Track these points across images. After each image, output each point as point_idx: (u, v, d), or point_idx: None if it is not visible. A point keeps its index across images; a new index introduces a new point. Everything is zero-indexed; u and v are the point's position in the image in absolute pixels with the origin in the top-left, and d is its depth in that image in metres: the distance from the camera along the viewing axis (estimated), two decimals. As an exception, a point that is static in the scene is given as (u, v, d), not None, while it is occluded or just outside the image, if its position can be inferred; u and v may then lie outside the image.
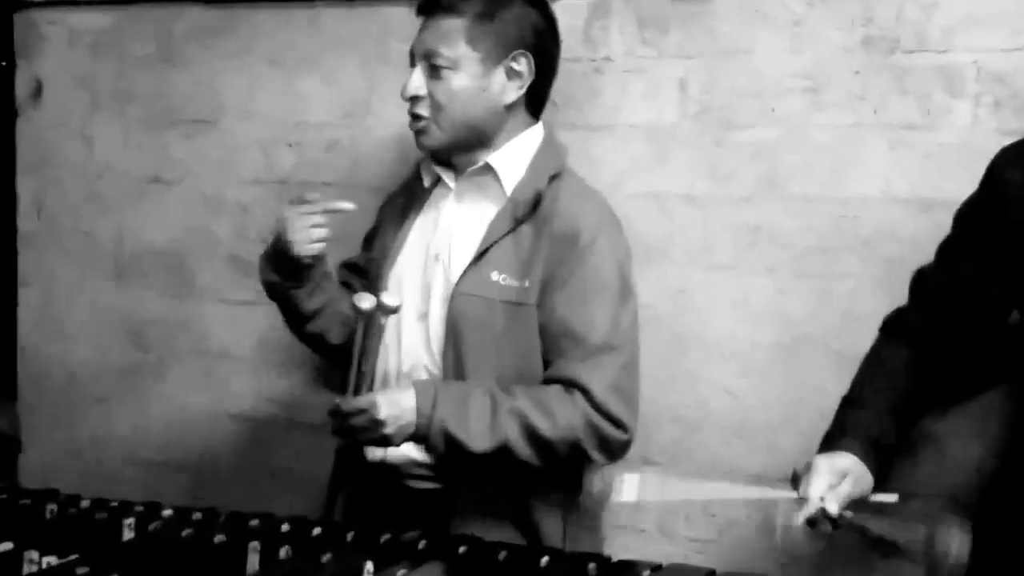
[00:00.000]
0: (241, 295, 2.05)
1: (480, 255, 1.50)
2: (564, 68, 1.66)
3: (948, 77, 1.59)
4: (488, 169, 1.54)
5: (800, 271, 1.70)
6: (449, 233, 1.55)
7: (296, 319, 1.63)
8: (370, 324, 1.41)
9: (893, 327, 1.46)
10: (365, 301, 1.40)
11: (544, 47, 1.55)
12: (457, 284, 1.49)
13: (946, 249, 1.43)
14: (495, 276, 1.48)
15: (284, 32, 2.01)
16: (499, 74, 1.51)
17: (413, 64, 1.54)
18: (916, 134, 1.62)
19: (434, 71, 1.50)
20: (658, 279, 1.75)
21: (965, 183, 1.42)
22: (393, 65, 1.85)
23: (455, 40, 1.49)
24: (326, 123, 2.00)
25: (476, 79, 1.50)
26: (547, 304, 1.47)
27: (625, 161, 1.79)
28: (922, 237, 1.55)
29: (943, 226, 1.44)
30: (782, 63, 1.69)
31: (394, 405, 1.42)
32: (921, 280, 1.46)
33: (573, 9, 1.79)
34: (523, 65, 1.52)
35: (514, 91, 1.52)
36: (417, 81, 1.51)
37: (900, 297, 1.49)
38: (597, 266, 1.48)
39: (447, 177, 1.58)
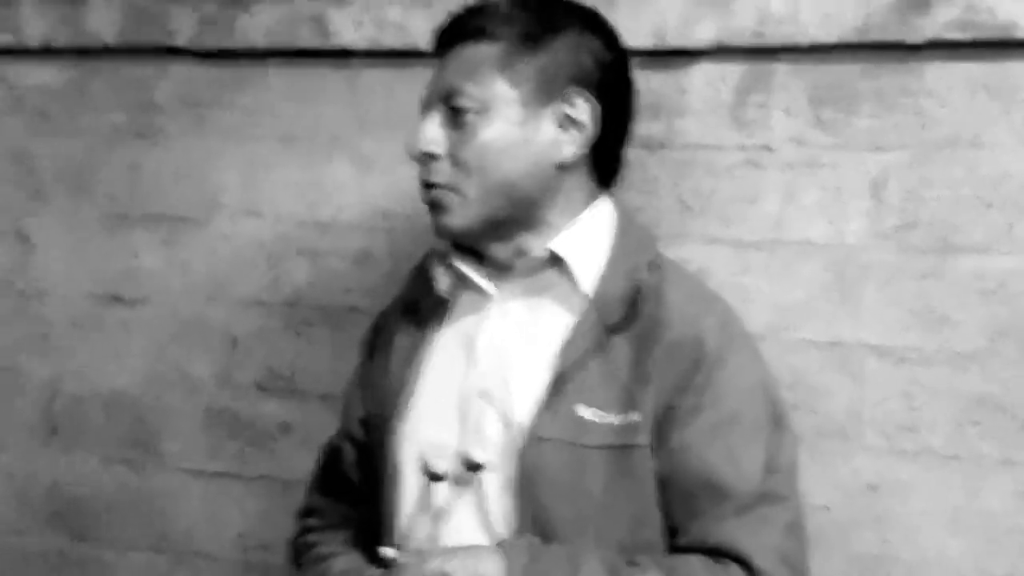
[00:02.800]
0: (221, 465, 1.92)
1: (557, 384, 1.35)
2: (703, 158, 1.61)
3: None
4: (551, 261, 1.39)
5: None
6: (499, 358, 1.41)
7: None
8: None
9: None
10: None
11: (612, 88, 1.40)
12: (530, 428, 1.35)
13: None
14: (584, 412, 1.34)
15: (305, 99, 1.87)
16: (548, 121, 1.36)
17: (426, 112, 1.42)
18: None
19: (456, 117, 1.35)
20: (838, 469, 1.59)
21: None
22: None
23: (486, 74, 1.34)
24: (357, 225, 1.83)
25: (515, 126, 1.35)
26: (669, 446, 1.35)
27: (790, 295, 1.60)
28: None
29: None
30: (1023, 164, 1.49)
31: (471, 573, 1.29)
32: None
33: (716, 75, 1.62)
34: (583, 110, 1.36)
35: (571, 146, 1.37)
36: (431, 132, 1.36)
37: None
38: (736, 387, 1.36)
39: (479, 278, 1.39)
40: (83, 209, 2.01)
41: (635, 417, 1.35)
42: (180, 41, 1.88)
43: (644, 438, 1.34)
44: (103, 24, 1.94)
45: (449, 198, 1.37)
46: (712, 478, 1.34)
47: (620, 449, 1.35)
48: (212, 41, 1.86)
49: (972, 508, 1.53)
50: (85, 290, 2.03)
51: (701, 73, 1.59)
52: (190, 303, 1.95)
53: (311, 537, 1.50)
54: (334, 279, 1.85)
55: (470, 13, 1.39)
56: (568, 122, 1.37)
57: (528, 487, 1.35)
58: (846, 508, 1.58)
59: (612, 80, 1.40)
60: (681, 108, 1.62)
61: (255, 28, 1.83)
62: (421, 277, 1.49)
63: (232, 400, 1.93)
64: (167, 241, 1.95)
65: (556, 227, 1.40)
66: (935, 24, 1.49)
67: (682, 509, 1.35)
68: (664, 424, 1.35)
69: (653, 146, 1.61)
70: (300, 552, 1.52)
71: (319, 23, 1.79)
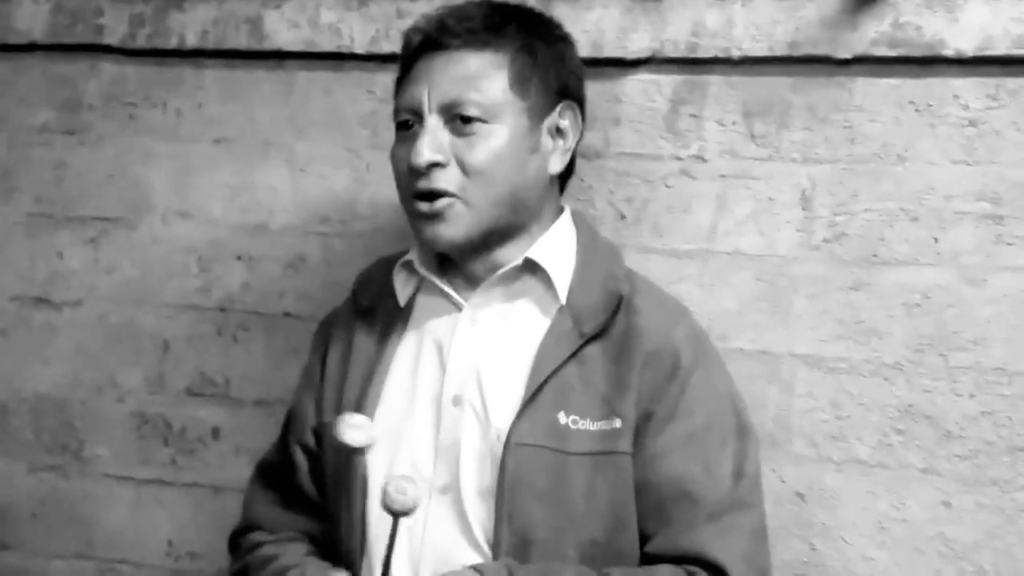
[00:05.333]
0: (150, 472, 1.90)
1: (536, 391, 1.35)
2: (638, 167, 1.62)
3: None
4: (527, 268, 1.40)
5: (976, 477, 1.52)
6: (472, 365, 1.40)
7: None
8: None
9: None
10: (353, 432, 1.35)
11: (583, 99, 1.47)
12: (510, 434, 1.35)
13: None
14: (564, 419, 1.35)
15: (239, 100, 1.86)
16: (545, 132, 1.40)
17: (405, 125, 1.39)
18: None
19: (462, 126, 1.35)
20: (767, 477, 1.56)
21: None
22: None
23: (495, 83, 1.36)
24: (291, 229, 1.82)
25: (523, 137, 1.37)
26: (644, 452, 1.36)
27: (722, 304, 1.63)
28: None
29: None
30: (951, 178, 1.52)
31: None
32: None
33: (652, 86, 1.64)
34: (571, 122, 1.42)
35: (560, 157, 1.42)
36: (436, 141, 1.35)
37: None
38: (708, 398, 1.39)
39: (451, 289, 1.41)
40: (8, 209, 1.98)
41: (616, 424, 1.35)
42: (111, 39, 1.87)
43: (625, 444, 1.35)
44: (31, 20, 1.92)
45: (455, 208, 1.35)
46: (684, 485, 1.35)
47: (601, 455, 1.35)
48: (144, 40, 1.85)
49: (896, 516, 1.55)
50: (10, 292, 2.00)
51: (636, 83, 1.61)
52: (119, 307, 1.93)
53: (267, 550, 1.46)
54: (268, 284, 1.84)
55: (459, 19, 1.37)
56: (558, 133, 1.40)
57: (508, 494, 1.33)
58: (775, 516, 1.55)
59: (584, 92, 1.44)
60: (617, 117, 1.64)
61: (189, 27, 1.82)
62: (375, 284, 1.47)
63: (162, 406, 1.90)
64: (95, 242, 1.93)
65: (533, 236, 1.41)
66: (864, 40, 1.52)
67: (654, 516, 1.36)
68: (641, 430, 1.36)
69: (589, 155, 1.63)
70: (256, 567, 1.46)
71: (254, 24, 1.79)
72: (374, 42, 1.72)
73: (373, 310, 1.46)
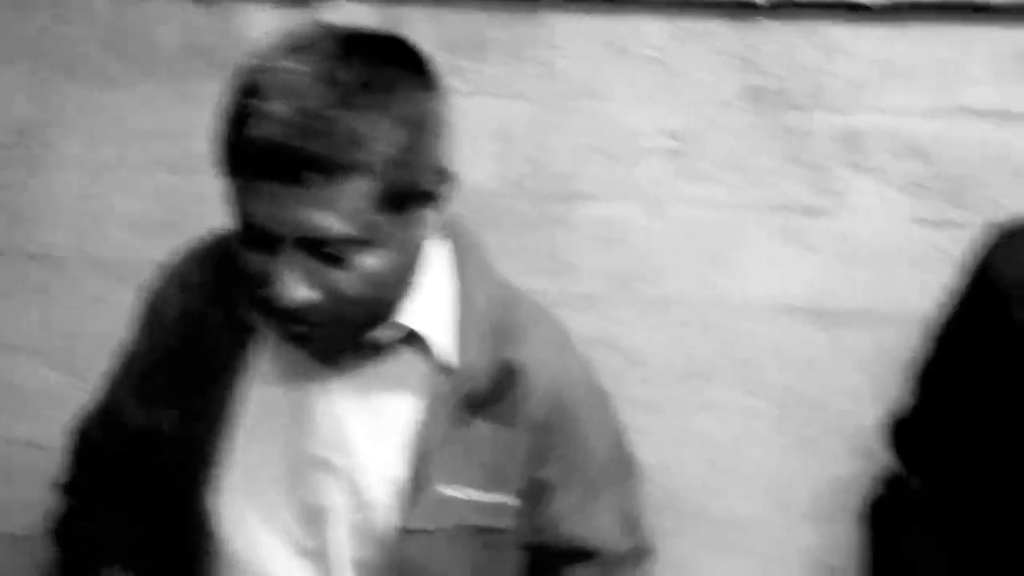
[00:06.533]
0: None
1: (418, 465, 1.23)
2: None
3: (850, 145, 1.52)
4: (404, 338, 1.23)
5: (663, 398, 1.59)
6: (340, 428, 1.25)
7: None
8: None
9: (892, 511, 1.37)
10: None
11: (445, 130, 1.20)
12: (406, 518, 1.24)
13: (939, 377, 1.33)
14: (448, 491, 1.24)
15: None
16: (420, 213, 1.16)
17: (259, 238, 1.10)
18: (809, 220, 1.54)
19: (331, 256, 1.11)
20: None
21: (870, 288, 1.49)
22: (86, 79, 1.63)
23: (364, 211, 1.09)
24: None
25: (398, 246, 1.14)
26: (537, 521, 1.29)
27: None
28: (822, 361, 1.54)
29: (844, 346, 1.48)
30: (640, 115, 1.57)
31: None
32: (908, 430, 1.36)
33: (351, 18, 1.57)
34: (446, 188, 1.18)
35: (436, 218, 1.19)
36: (299, 282, 1.11)
37: (801, 449, 1.51)
38: (596, 451, 1.30)
39: (314, 360, 1.24)
40: None
41: (501, 498, 1.27)
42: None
43: (510, 520, 1.27)
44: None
45: (324, 330, 1.16)
46: (583, 546, 1.30)
47: (487, 531, 1.27)
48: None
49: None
50: None
51: (337, 16, 1.54)
52: None
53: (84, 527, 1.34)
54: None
55: (306, 135, 1.04)
56: (434, 202, 1.18)
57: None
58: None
59: (443, 129, 1.17)
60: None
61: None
62: (231, 274, 1.21)
63: None
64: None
65: (406, 301, 1.21)
66: (558, -23, 1.53)
67: (548, 567, 1.32)
68: (528, 497, 1.28)
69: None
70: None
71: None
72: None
73: (227, 310, 1.25)
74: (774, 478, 1.56)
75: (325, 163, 1.05)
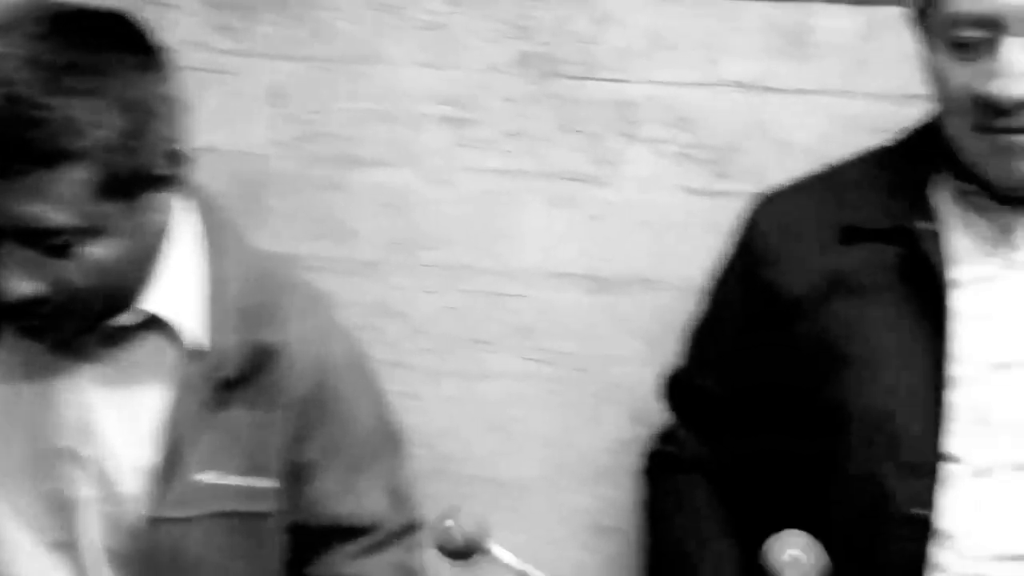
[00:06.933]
0: None
1: (170, 452, 1.21)
2: None
3: (623, 114, 1.55)
4: (147, 323, 1.21)
5: (444, 366, 1.59)
6: (86, 416, 1.23)
7: None
8: None
9: (667, 461, 1.39)
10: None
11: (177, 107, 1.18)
12: (158, 506, 1.22)
13: (706, 338, 1.37)
14: (203, 477, 1.22)
15: None
16: (155, 205, 1.16)
17: None
18: (584, 188, 1.57)
19: (55, 251, 1.10)
20: None
21: (645, 256, 1.52)
22: None
23: (84, 200, 1.08)
24: None
25: (130, 230, 1.13)
26: (298, 500, 1.28)
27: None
28: (598, 327, 1.56)
29: (620, 313, 1.51)
30: (418, 81, 1.56)
31: None
32: (680, 387, 1.40)
33: None
34: (181, 159, 1.16)
35: (174, 201, 1.19)
36: (22, 276, 1.10)
37: (579, 413, 1.52)
38: (358, 430, 1.29)
39: (55, 351, 1.22)
40: None
41: (262, 482, 1.26)
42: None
43: (271, 504, 1.26)
44: None
45: (56, 323, 1.15)
46: (351, 523, 1.30)
47: (247, 516, 1.26)
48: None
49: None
50: None
51: None
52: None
53: None
54: None
55: (14, 123, 1.04)
56: (169, 185, 1.17)
57: (145, 568, 1.23)
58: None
59: (173, 110, 1.15)
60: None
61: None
62: None
63: None
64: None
65: (154, 277, 1.20)
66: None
67: (316, 545, 1.30)
68: (290, 479, 1.27)
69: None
70: None
71: None
72: None
73: None
74: (552, 442, 1.59)
75: (37, 152, 1.04)
